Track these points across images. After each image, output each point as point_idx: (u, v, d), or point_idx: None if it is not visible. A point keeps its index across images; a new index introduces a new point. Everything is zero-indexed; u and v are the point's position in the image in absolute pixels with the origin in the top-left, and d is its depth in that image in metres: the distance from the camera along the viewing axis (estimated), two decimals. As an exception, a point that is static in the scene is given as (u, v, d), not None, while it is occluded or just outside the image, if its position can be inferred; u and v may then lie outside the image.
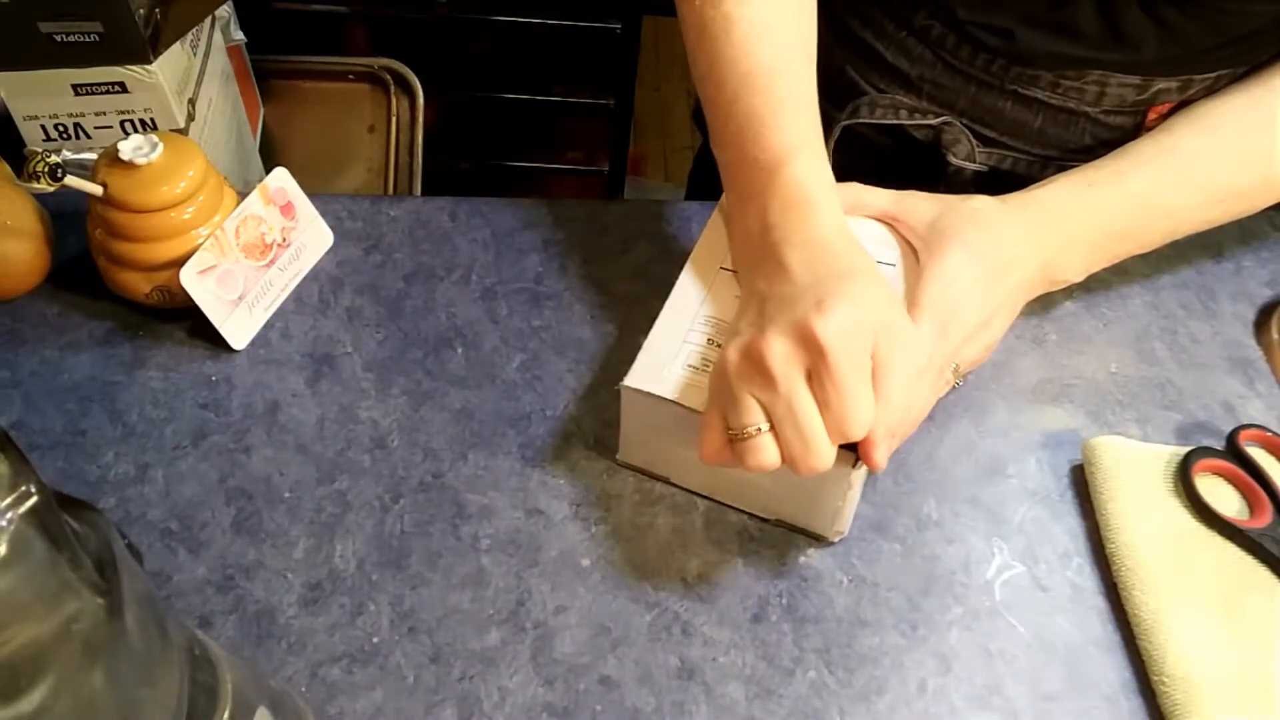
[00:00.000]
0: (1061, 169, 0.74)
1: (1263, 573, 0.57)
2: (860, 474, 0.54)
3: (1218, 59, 0.66)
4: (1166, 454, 0.61)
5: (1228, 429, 0.62)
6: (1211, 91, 0.68)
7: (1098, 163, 0.64)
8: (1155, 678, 0.53)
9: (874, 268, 0.55)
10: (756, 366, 0.50)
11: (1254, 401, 0.66)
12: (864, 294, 0.51)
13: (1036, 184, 0.63)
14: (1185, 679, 0.52)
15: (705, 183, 0.98)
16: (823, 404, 0.49)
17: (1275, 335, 0.69)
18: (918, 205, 0.61)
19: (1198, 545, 0.58)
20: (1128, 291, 0.71)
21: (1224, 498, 0.60)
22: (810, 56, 0.61)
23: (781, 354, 0.50)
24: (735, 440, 0.51)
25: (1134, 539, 0.57)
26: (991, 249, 0.58)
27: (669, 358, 0.57)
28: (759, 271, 0.56)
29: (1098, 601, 0.57)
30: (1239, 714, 0.51)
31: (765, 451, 0.50)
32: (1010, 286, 0.59)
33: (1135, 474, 0.60)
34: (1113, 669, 0.55)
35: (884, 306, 0.52)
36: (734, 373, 0.51)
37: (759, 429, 0.50)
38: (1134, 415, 0.65)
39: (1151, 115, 0.70)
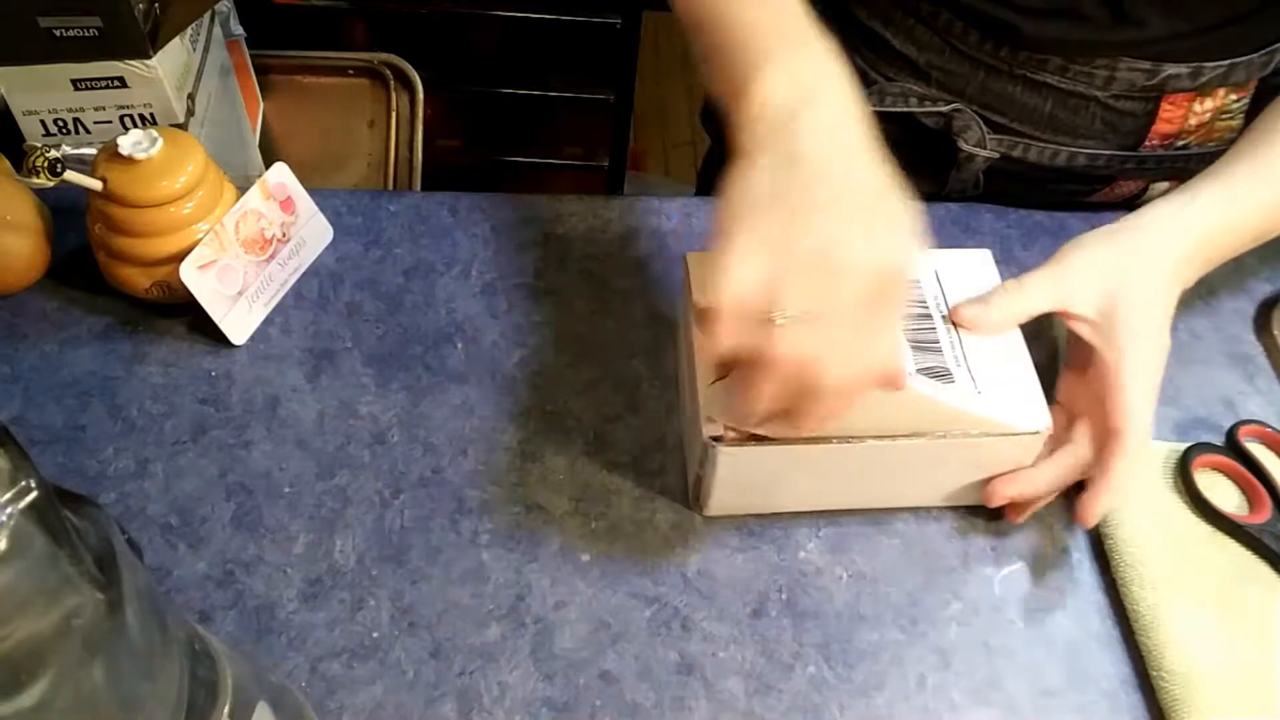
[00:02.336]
0: (1072, 157, 0.74)
1: (1262, 568, 0.57)
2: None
3: (1226, 42, 0.66)
4: (1166, 450, 0.61)
5: (1227, 425, 0.62)
6: (1227, 81, 0.68)
7: (1227, 162, 0.61)
8: (1154, 673, 0.53)
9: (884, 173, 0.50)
10: (818, 258, 0.45)
11: (1254, 397, 0.66)
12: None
13: (1183, 192, 0.60)
14: (1185, 674, 0.52)
15: (716, 177, 0.98)
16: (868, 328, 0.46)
17: (1275, 331, 0.69)
18: (1080, 290, 0.58)
19: (1197, 541, 0.58)
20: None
21: (1224, 493, 0.60)
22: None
23: (852, 257, 0.45)
24: (770, 324, 0.44)
25: (1133, 534, 0.57)
26: (1161, 323, 0.57)
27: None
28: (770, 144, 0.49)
29: (1097, 597, 0.57)
30: (1238, 709, 0.52)
31: (799, 343, 0.44)
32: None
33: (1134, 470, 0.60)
34: (1112, 664, 0.55)
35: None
36: (780, 248, 0.45)
37: (798, 315, 0.44)
38: (1134, 411, 0.65)
39: (1166, 105, 0.70)
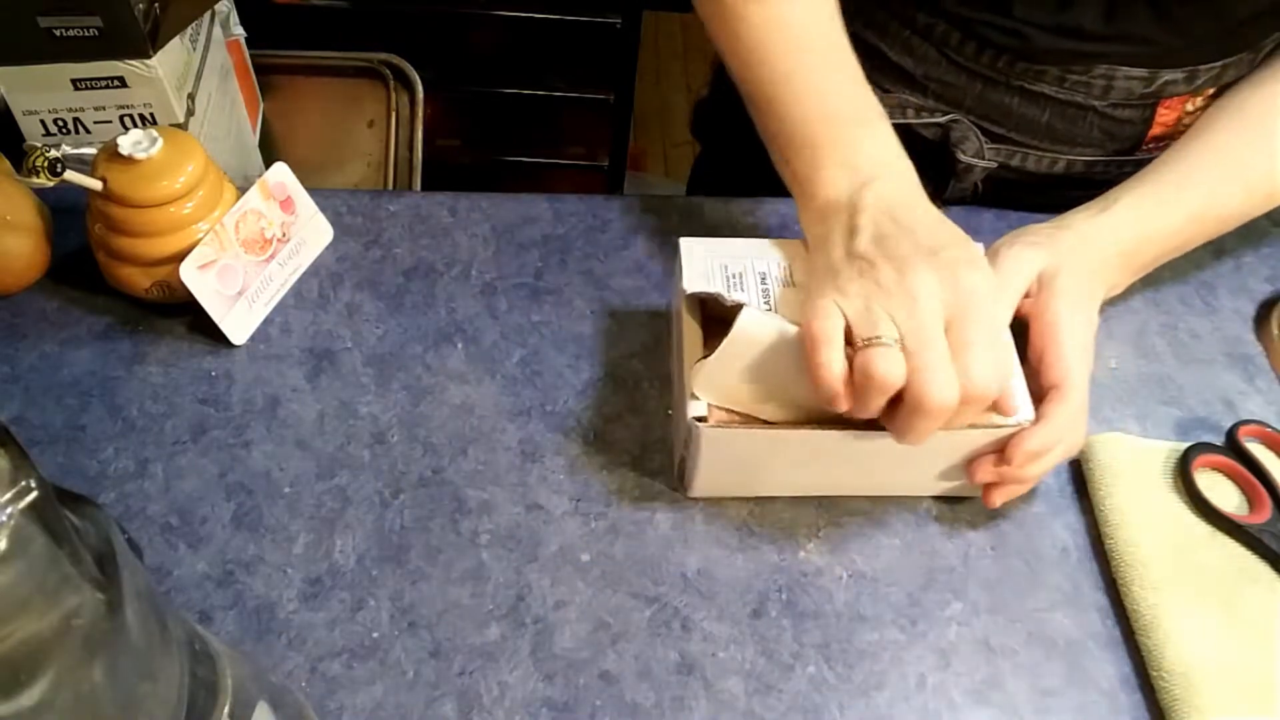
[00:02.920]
0: (1070, 164, 0.74)
1: (1262, 568, 0.57)
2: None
3: (1221, 47, 0.66)
4: (1165, 450, 0.61)
5: (1227, 425, 0.62)
6: (1219, 81, 0.68)
7: (1155, 169, 0.64)
8: (1154, 673, 0.53)
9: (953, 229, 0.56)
10: (897, 287, 0.50)
11: (1254, 397, 0.66)
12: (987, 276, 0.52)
13: (1102, 200, 0.63)
14: (1184, 674, 0.52)
15: (705, 184, 0.98)
16: (959, 347, 0.49)
17: (1275, 331, 0.69)
18: (1017, 274, 0.59)
19: (1197, 541, 0.58)
20: (1127, 288, 0.71)
21: (1223, 493, 0.60)
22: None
23: (930, 284, 0.50)
24: (866, 348, 0.49)
25: (1133, 535, 0.57)
26: (1089, 307, 0.59)
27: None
28: (852, 219, 0.55)
29: (1097, 597, 0.57)
30: (1238, 709, 0.52)
31: (895, 361, 0.48)
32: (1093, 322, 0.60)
33: (1134, 470, 0.60)
34: (1112, 664, 0.55)
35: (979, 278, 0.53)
36: (863, 290, 0.51)
37: (894, 340, 0.49)
38: (1133, 411, 0.65)
39: (1161, 109, 0.70)
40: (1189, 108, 0.71)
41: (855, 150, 0.57)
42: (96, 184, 0.60)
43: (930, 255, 0.51)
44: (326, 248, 0.70)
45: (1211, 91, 0.70)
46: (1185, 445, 0.61)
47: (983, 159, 0.74)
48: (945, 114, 0.73)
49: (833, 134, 0.57)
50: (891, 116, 0.74)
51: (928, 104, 0.74)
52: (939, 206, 0.56)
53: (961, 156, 0.74)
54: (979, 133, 0.73)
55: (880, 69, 0.74)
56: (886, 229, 0.53)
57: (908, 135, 0.75)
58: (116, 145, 0.60)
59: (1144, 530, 0.58)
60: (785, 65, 0.59)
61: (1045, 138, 0.73)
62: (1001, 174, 0.75)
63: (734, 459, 0.56)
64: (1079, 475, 0.62)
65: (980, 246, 0.56)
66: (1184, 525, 0.58)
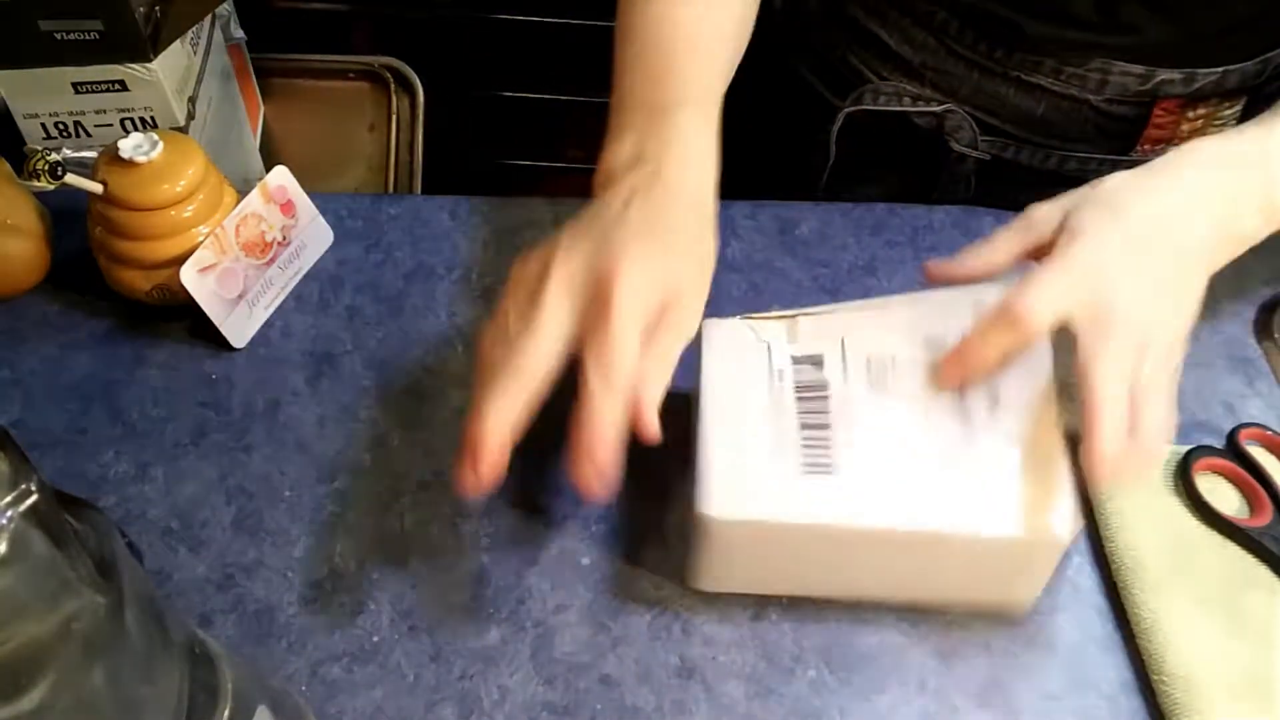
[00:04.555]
0: (1064, 160, 0.74)
1: (1263, 571, 0.57)
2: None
3: (1221, 49, 0.66)
4: (1166, 453, 0.61)
5: (1228, 428, 0.62)
6: (1221, 88, 0.68)
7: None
8: (1155, 676, 0.53)
9: (705, 243, 0.53)
10: (542, 275, 0.49)
11: (1254, 400, 0.66)
12: (673, 262, 0.50)
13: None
14: (1185, 678, 0.52)
15: None
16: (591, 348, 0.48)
17: (1276, 334, 0.69)
18: (1042, 212, 0.53)
19: (1198, 544, 0.58)
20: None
21: (1224, 496, 0.60)
22: (735, 49, 0.60)
23: (563, 278, 0.49)
24: (511, 337, 0.48)
25: (1133, 538, 0.57)
26: (1136, 207, 0.51)
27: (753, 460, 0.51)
28: (601, 194, 0.54)
29: (1098, 600, 0.57)
30: (1239, 712, 0.51)
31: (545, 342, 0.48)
32: (1177, 245, 0.51)
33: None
34: (1113, 668, 0.55)
35: (689, 278, 0.51)
36: (524, 275, 0.50)
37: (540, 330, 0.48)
38: (1134, 414, 0.65)
39: (1158, 111, 0.70)
40: (1189, 114, 0.71)
41: (652, 132, 0.55)
42: (97, 187, 0.60)
43: (645, 237, 0.49)
44: (327, 251, 0.70)
45: (1214, 100, 0.70)
46: (1186, 448, 0.61)
47: (976, 149, 0.74)
48: (941, 103, 0.73)
49: (637, 111, 0.57)
50: (887, 105, 0.75)
51: (924, 92, 0.74)
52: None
53: (954, 146, 0.74)
54: (973, 123, 0.73)
55: (879, 57, 0.75)
56: (599, 213, 0.51)
57: (902, 123, 0.76)
58: (117, 149, 0.60)
59: (1144, 534, 0.57)
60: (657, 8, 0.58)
61: (1040, 131, 0.73)
62: (994, 169, 0.75)
63: (746, 554, 0.53)
64: (1079, 479, 0.61)
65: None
66: (1185, 528, 0.58)
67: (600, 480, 0.47)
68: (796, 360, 0.54)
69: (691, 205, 0.53)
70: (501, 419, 0.47)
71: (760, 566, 0.54)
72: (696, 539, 0.52)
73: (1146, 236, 0.50)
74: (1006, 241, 0.53)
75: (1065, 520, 0.49)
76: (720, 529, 0.50)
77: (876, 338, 0.54)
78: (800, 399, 0.52)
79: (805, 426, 0.52)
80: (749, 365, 0.54)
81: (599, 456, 0.47)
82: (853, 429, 0.51)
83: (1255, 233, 0.54)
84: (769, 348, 0.54)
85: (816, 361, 0.54)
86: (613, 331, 0.47)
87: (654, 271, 0.49)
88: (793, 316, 0.55)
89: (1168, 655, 0.53)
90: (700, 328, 0.53)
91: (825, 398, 0.52)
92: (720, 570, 0.54)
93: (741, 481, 0.50)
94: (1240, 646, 0.54)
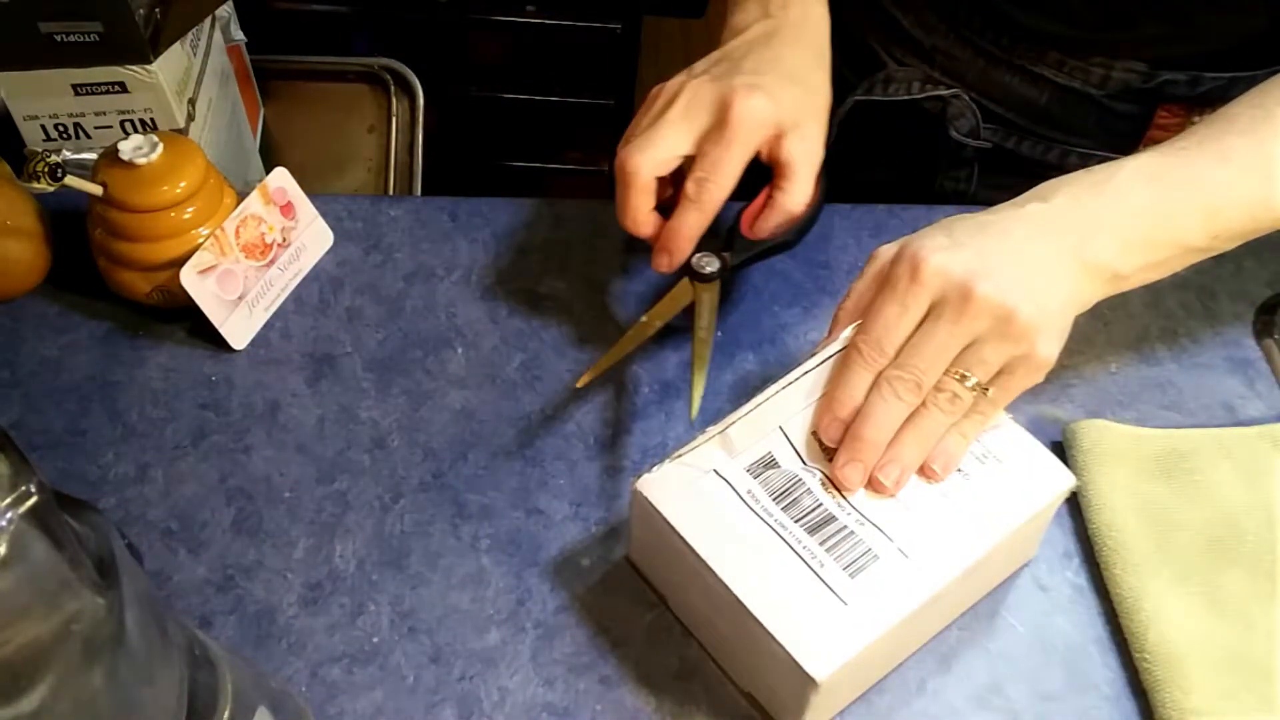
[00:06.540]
0: (1065, 154, 0.74)
1: (1243, 550, 0.57)
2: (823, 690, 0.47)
3: (1228, 57, 0.66)
4: (1147, 433, 0.61)
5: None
6: (1227, 95, 0.68)
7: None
8: (1137, 655, 0.54)
9: (821, 75, 0.62)
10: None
11: (1254, 402, 0.66)
12: (790, 92, 0.58)
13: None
14: (1166, 656, 0.53)
15: None
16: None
17: (1275, 335, 0.69)
18: (884, 248, 0.54)
19: (1178, 524, 0.58)
20: (1127, 292, 0.71)
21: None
22: None
23: (687, 101, 0.58)
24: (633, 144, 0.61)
25: (1114, 518, 0.57)
26: (967, 223, 0.53)
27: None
28: (727, 44, 0.62)
29: (1097, 601, 0.57)
30: (1220, 689, 0.52)
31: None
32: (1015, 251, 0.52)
33: (1116, 453, 0.60)
34: (1113, 669, 0.55)
35: (806, 107, 0.59)
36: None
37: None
38: (1133, 416, 0.65)
39: (1162, 112, 0.70)
40: (1195, 120, 0.71)
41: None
42: (97, 189, 0.60)
43: (716, 80, 0.58)
44: (327, 253, 0.70)
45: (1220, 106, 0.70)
46: (1170, 429, 0.61)
47: (977, 138, 0.75)
48: (948, 88, 0.74)
49: None
50: (897, 93, 0.76)
51: (934, 76, 0.75)
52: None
53: (954, 134, 0.75)
54: (976, 110, 0.74)
55: (895, 40, 0.76)
56: (728, 53, 0.61)
57: (910, 110, 0.76)
58: (117, 150, 0.60)
59: (1125, 513, 0.58)
60: None
61: (1042, 122, 0.74)
62: (996, 160, 0.75)
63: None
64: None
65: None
66: (1166, 509, 0.58)
67: (669, 269, 0.61)
68: (752, 471, 0.51)
69: (808, 47, 0.62)
70: (643, 159, 0.60)
71: (861, 681, 0.53)
72: (799, 698, 0.48)
73: (980, 243, 0.52)
74: (865, 285, 0.54)
75: (1062, 476, 0.53)
76: (830, 680, 0.46)
77: (806, 411, 0.52)
78: (786, 508, 0.50)
79: (812, 531, 0.49)
80: (716, 504, 0.50)
81: (674, 258, 0.60)
82: (848, 505, 0.50)
83: (1118, 265, 0.55)
84: (718, 474, 0.51)
85: (770, 463, 0.51)
86: (719, 156, 0.57)
87: (771, 101, 0.57)
88: (720, 432, 0.52)
89: (1149, 633, 0.54)
90: (638, 494, 0.51)
91: (807, 491, 0.50)
92: (823, 713, 0.51)
93: (817, 625, 0.47)
94: (1220, 624, 0.54)
